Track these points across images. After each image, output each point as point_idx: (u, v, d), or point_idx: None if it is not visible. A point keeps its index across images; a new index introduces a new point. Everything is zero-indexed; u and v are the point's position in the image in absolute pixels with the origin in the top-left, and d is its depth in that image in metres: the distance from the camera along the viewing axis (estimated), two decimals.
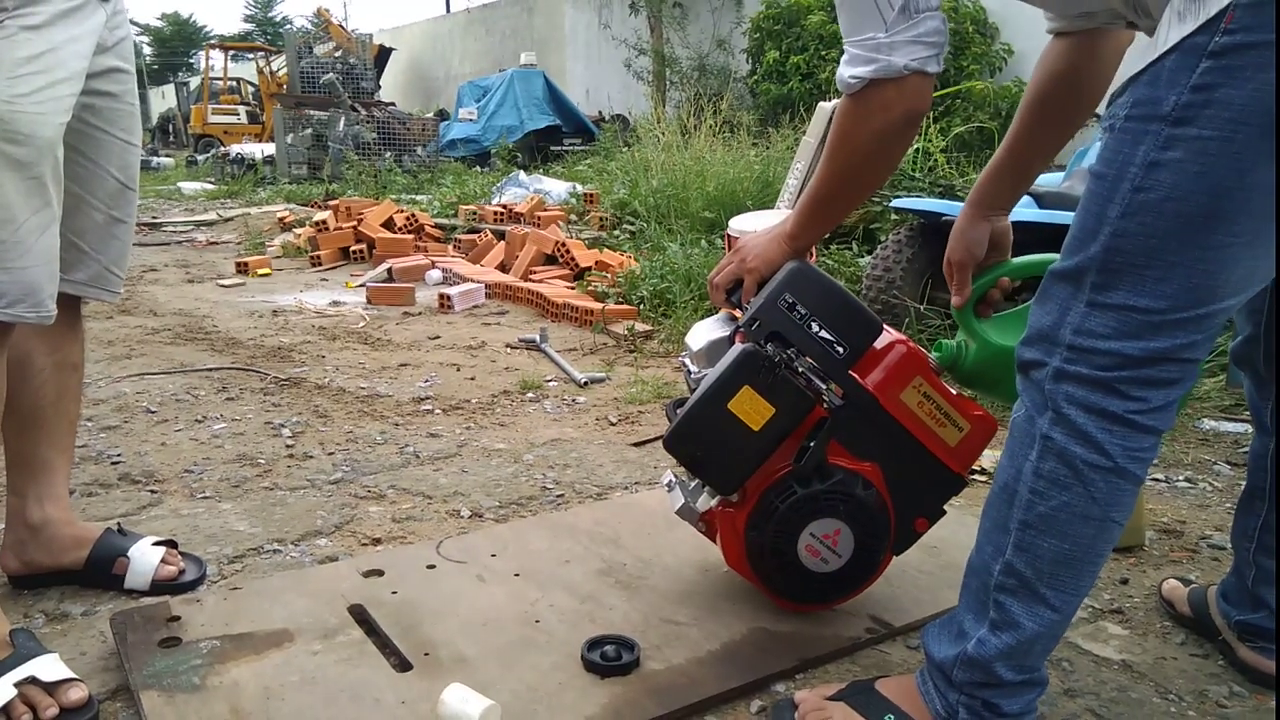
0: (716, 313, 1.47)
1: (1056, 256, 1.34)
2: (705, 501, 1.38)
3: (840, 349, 1.28)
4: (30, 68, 1.18)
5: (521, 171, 8.21)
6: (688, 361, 1.43)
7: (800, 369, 1.27)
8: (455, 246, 5.72)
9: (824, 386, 1.28)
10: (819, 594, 1.38)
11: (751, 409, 1.24)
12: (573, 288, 4.37)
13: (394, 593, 1.48)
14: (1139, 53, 0.94)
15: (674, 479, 1.46)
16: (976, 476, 2.10)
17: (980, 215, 1.32)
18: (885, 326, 1.34)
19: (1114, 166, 0.93)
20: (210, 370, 3.03)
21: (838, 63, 1.18)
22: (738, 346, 1.27)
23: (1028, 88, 1.29)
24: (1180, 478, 2.11)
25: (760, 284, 1.32)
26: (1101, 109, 1.22)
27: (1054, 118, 1.29)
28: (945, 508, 1.37)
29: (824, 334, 1.27)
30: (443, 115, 13.52)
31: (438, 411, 2.61)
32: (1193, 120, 0.87)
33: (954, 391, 1.34)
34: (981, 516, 1.07)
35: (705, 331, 1.41)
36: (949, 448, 1.32)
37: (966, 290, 1.34)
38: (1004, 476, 1.03)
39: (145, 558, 1.54)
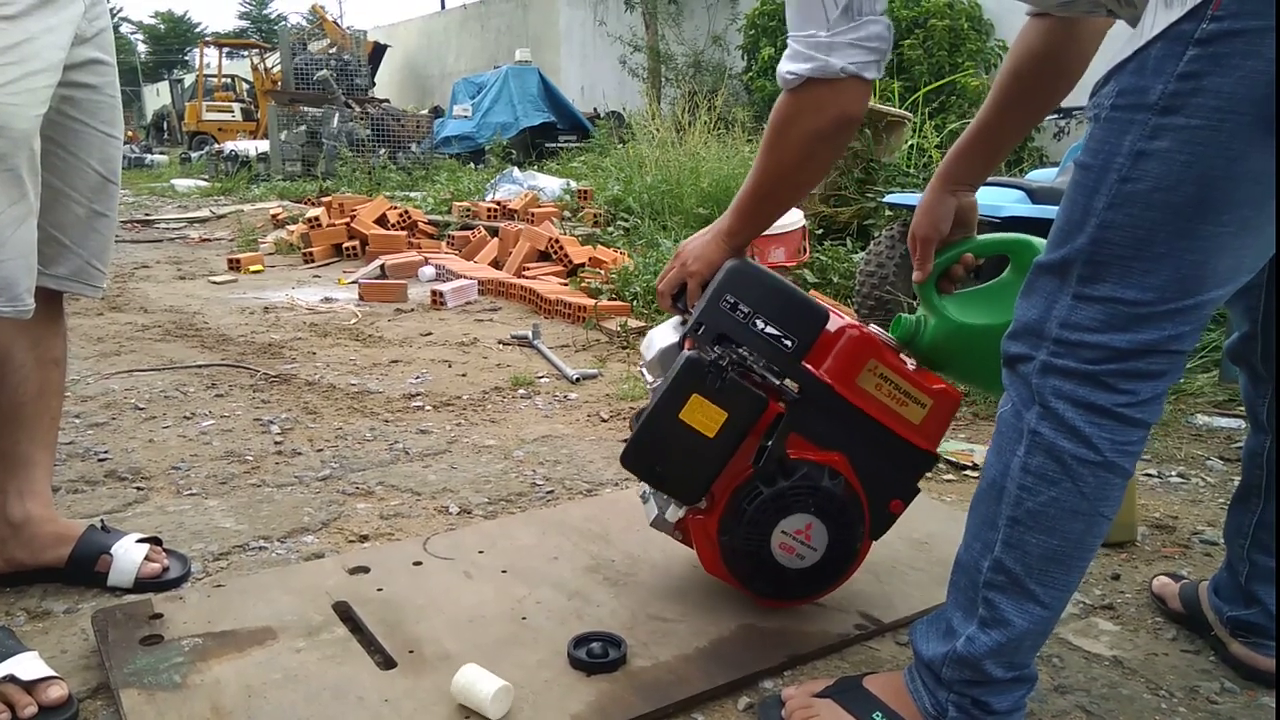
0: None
1: (1021, 237, 1.34)
2: (675, 511, 1.37)
3: (788, 343, 1.26)
4: (4, 59, 1.16)
5: (515, 168, 8.19)
6: (645, 371, 1.41)
7: (754, 367, 1.25)
8: (449, 243, 5.70)
9: (778, 382, 1.26)
10: (801, 589, 1.37)
11: (703, 416, 1.22)
12: (566, 284, 4.35)
13: (379, 590, 1.47)
14: (1123, 41, 0.92)
15: (648, 490, 1.44)
16: (968, 471, 2.10)
17: (947, 190, 1.31)
18: (834, 311, 1.32)
19: (1100, 157, 0.91)
20: (200, 367, 3.02)
21: None
22: (682, 355, 1.26)
23: (1003, 65, 1.28)
24: (1173, 473, 2.11)
25: (704, 285, 1.30)
26: (1068, 102, 1.21)
27: (1028, 96, 1.27)
28: (921, 487, 1.36)
29: (770, 330, 1.26)
30: (437, 112, 13.50)
31: (428, 408, 2.60)
32: (1180, 109, 0.85)
33: (912, 367, 1.32)
34: (969, 513, 1.06)
35: (658, 339, 1.39)
36: (914, 426, 1.30)
37: (928, 265, 1.33)
38: (991, 473, 1.02)
39: (129, 555, 1.53)
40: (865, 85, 1.12)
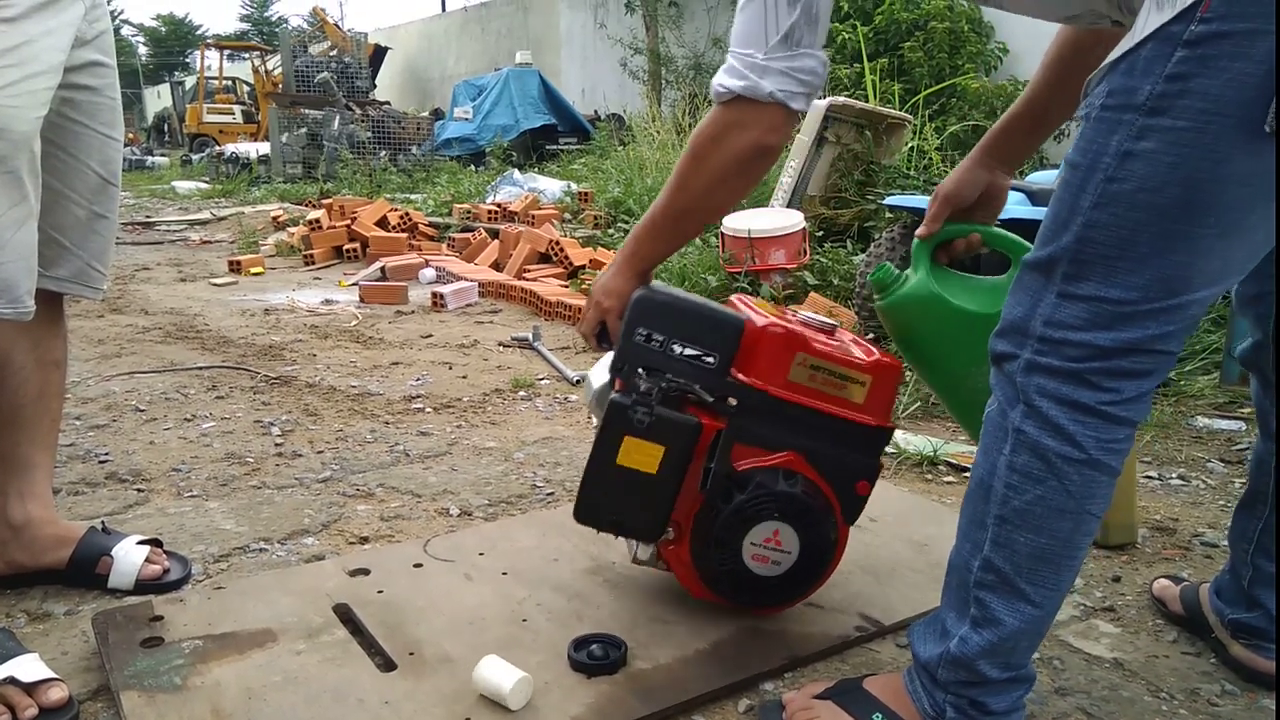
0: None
1: (1025, 242, 1.33)
2: (645, 549, 1.37)
3: (710, 359, 1.26)
4: (4, 61, 1.16)
5: (516, 170, 8.19)
6: (591, 415, 1.40)
7: (688, 391, 1.24)
8: (449, 245, 5.70)
9: (710, 399, 1.25)
10: (788, 593, 1.36)
11: (641, 455, 1.22)
12: (566, 286, 4.35)
13: (380, 592, 1.47)
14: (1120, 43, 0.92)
15: None
16: (968, 474, 2.09)
17: (983, 163, 1.31)
18: (753, 307, 1.31)
19: (1088, 156, 0.91)
20: (200, 369, 3.02)
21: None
22: (609, 399, 1.25)
23: (1052, 41, 1.25)
24: (1173, 475, 2.11)
25: (620, 318, 1.30)
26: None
27: (1074, 75, 1.22)
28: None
29: (688, 351, 1.25)
30: (438, 114, 13.50)
31: (428, 410, 2.60)
32: (1167, 110, 0.85)
33: (843, 349, 1.29)
34: (960, 513, 1.06)
35: (594, 379, 1.39)
36: (858, 405, 1.29)
37: (936, 224, 1.32)
38: (979, 472, 1.02)
39: (129, 557, 1.53)
40: (787, 115, 1.13)
